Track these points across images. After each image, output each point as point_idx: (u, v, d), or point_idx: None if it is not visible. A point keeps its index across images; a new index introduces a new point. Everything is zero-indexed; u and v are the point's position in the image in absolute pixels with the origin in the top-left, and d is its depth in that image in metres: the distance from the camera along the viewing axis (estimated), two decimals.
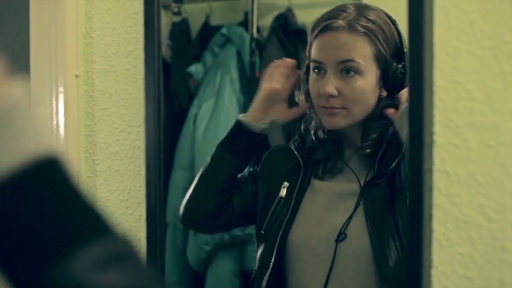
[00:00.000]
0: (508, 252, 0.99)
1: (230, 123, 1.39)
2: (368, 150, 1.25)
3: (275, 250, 1.25)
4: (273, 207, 1.29)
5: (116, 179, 1.43)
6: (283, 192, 1.30)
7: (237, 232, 2.17)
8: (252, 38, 2.34)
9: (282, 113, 1.35)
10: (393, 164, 1.22)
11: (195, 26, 2.52)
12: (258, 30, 2.38)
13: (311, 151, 1.31)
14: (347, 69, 1.20)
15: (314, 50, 1.25)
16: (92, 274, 0.44)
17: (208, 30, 2.48)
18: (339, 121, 1.24)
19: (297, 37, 2.25)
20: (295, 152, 1.32)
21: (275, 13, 2.37)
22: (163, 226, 1.39)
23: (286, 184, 1.31)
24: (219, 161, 1.34)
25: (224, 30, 2.42)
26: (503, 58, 0.99)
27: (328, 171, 1.29)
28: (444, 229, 1.01)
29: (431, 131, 1.02)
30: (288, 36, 2.30)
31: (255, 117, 1.33)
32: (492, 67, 1.00)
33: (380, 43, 1.21)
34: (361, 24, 1.21)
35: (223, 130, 2.13)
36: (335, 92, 1.20)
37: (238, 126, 1.34)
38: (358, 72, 1.20)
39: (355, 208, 1.22)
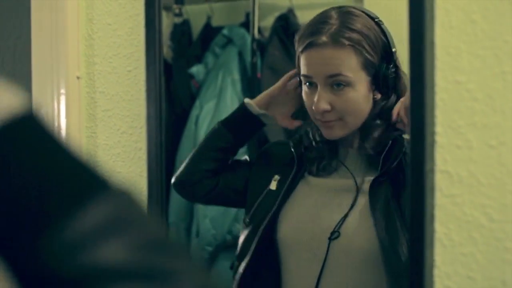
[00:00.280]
0: (510, 252, 0.99)
1: None
2: (371, 150, 1.25)
3: (255, 240, 1.28)
4: (261, 198, 1.33)
5: (118, 181, 1.43)
6: (273, 184, 1.33)
7: (239, 234, 2.17)
8: (253, 39, 2.34)
9: (281, 117, 1.40)
10: (396, 162, 1.22)
11: (197, 27, 2.52)
12: (260, 31, 2.38)
13: (306, 150, 1.33)
14: (337, 83, 1.21)
15: (302, 65, 1.25)
16: (92, 243, 0.38)
17: (210, 31, 2.48)
18: (336, 132, 1.26)
19: None
20: (292, 149, 1.34)
21: (276, 14, 2.37)
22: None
23: (277, 177, 1.33)
24: (215, 133, 1.41)
25: (225, 31, 2.42)
26: (504, 58, 0.99)
27: (323, 169, 1.31)
28: (446, 229, 1.01)
29: (432, 132, 1.02)
30: (289, 36, 2.29)
31: (258, 102, 1.39)
32: (493, 67, 1.00)
33: (367, 51, 1.20)
34: (345, 37, 1.19)
35: None
36: (328, 107, 1.22)
37: (241, 106, 1.40)
38: (348, 84, 1.21)
39: (352, 206, 1.23)
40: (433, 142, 1.02)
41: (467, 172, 1.01)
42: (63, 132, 1.43)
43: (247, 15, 2.42)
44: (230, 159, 1.43)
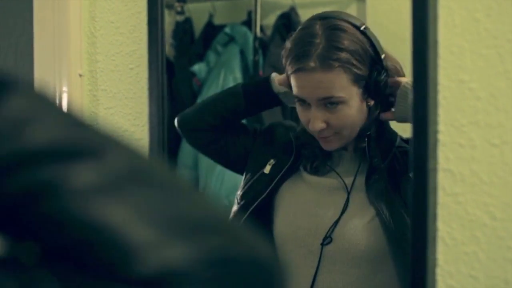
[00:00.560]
0: None
1: None
2: (363, 144, 1.27)
3: (243, 220, 1.28)
4: (254, 179, 1.34)
5: None
6: (267, 168, 1.34)
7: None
8: (255, 37, 2.34)
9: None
10: (389, 156, 1.25)
11: (199, 25, 2.52)
12: (262, 29, 2.38)
13: (303, 145, 1.34)
14: (330, 102, 1.20)
15: (294, 86, 1.23)
16: (90, 204, 0.36)
17: (212, 29, 2.48)
18: (334, 145, 1.27)
19: None
20: (292, 139, 1.35)
21: (279, 12, 2.38)
22: None
23: (272, 161, 1.34)
24: (232, 93, 1.41)
25: (227, 29, 2.42)
26: (508, 57, 0.99)
27: (316, 169, 1.32)
28: (448, 228, 1.01)
29: (435, 130, 1.02)
30: None
31: (281, 80, 1.35)
32: (496, 65, 1.00)
33: (356, 67, 1.19)
34: (333, 59, 1.17)
35: None
36: (324, 126, 1.22)
37: (266, 78, 1.38)
38: (341, 102, 1.20)
39: (346, 205, 1.24)
40: (436, 140, 1.02)
41: (469, 170, 1.01)
42: None
43: (249, 13, 2.42)
44: (238, 122, 1.43)
